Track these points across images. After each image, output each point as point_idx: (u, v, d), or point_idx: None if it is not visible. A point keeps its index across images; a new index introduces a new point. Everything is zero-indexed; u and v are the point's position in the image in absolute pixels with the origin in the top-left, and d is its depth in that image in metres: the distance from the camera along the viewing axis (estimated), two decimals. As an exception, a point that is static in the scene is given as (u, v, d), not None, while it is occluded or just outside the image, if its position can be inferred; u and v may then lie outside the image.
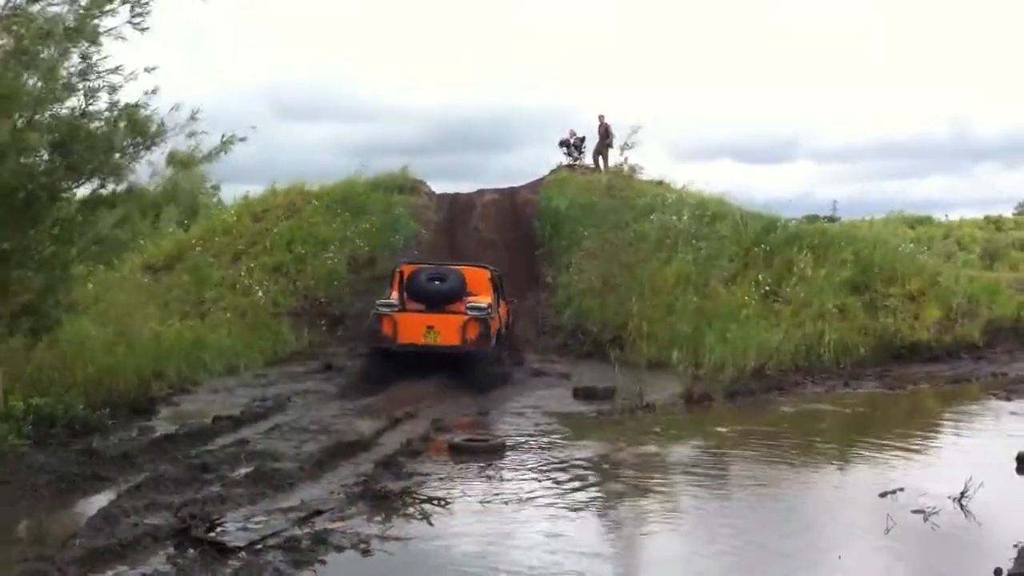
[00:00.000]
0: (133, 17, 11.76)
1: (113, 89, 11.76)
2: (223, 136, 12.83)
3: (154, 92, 12.13)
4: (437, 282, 16.30)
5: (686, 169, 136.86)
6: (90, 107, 11.71)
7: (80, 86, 11.58)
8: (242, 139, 12.93)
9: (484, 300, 16.34)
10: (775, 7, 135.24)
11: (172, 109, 12.35)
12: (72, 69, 11.53)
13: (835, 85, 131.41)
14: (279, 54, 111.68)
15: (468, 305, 15.93)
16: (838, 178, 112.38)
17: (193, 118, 12.46)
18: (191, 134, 12.54)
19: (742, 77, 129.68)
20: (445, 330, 15.61)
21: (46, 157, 11.56)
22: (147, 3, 11.84)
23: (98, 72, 11.68)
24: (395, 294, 16.58)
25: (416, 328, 15.68)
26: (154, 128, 12.22)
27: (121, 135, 11.99)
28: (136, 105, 12.00)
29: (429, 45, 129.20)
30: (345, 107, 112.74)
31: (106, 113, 11.81)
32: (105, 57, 11.75)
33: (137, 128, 12.06)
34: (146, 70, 11.87)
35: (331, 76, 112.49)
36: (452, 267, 17.11)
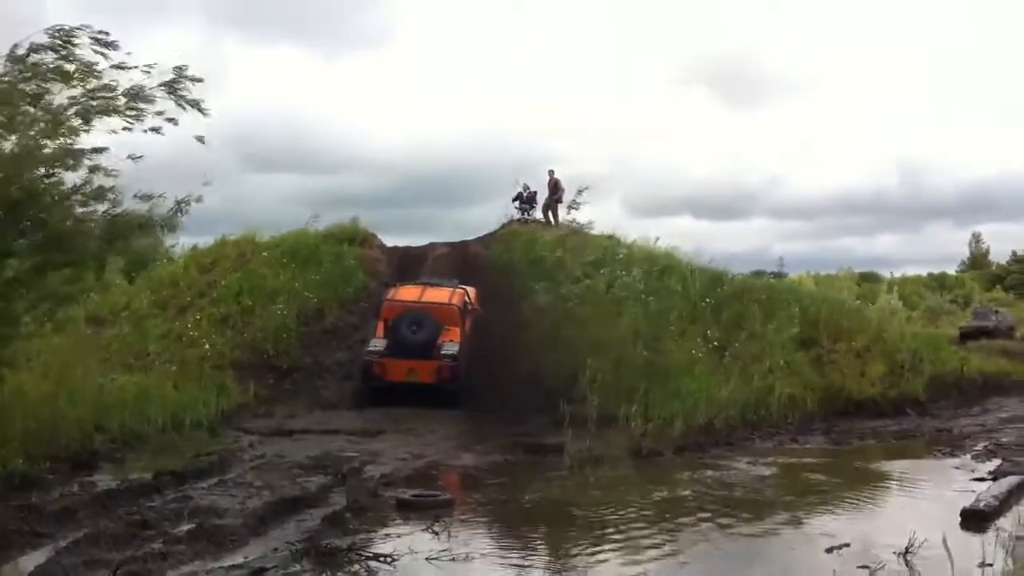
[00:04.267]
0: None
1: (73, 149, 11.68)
2: (177, 199, 12.76)
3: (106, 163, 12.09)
4: (415, 329, 19.38)
5: (645, 225, 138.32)
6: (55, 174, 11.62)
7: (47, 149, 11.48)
8: (197, 200, 12.87)
9: (454, 342, 19.59)
10: (738, 65, 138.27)
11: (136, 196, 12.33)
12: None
13: (796, 142, 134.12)
14: (245, 104, 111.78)
15: (441, 352, 19.24)
16: (795, 234, 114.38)
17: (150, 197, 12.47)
18: (147, 197, 12.45)
19: (704, 133, 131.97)
20: (423, 372, 19.06)
21: None
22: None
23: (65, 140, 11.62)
24: (380, 335, 19.80)
25: (399, 370, 19.07)
26: (112, 197, 12.15)
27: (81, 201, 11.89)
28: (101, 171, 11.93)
29: (390, 100, 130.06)
30: (309, 159, 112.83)
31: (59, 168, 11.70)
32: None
33: (97, 196, 11.98)
34: (95, 150, 11.84)
35: (297, 128, 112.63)
36: (427, 310, 19.93)
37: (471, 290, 21.91)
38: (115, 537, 8.82)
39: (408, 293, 20.82)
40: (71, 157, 11.56)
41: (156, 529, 9.19)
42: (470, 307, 21.25)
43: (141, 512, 9.85)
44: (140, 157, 12.12)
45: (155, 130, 12.11)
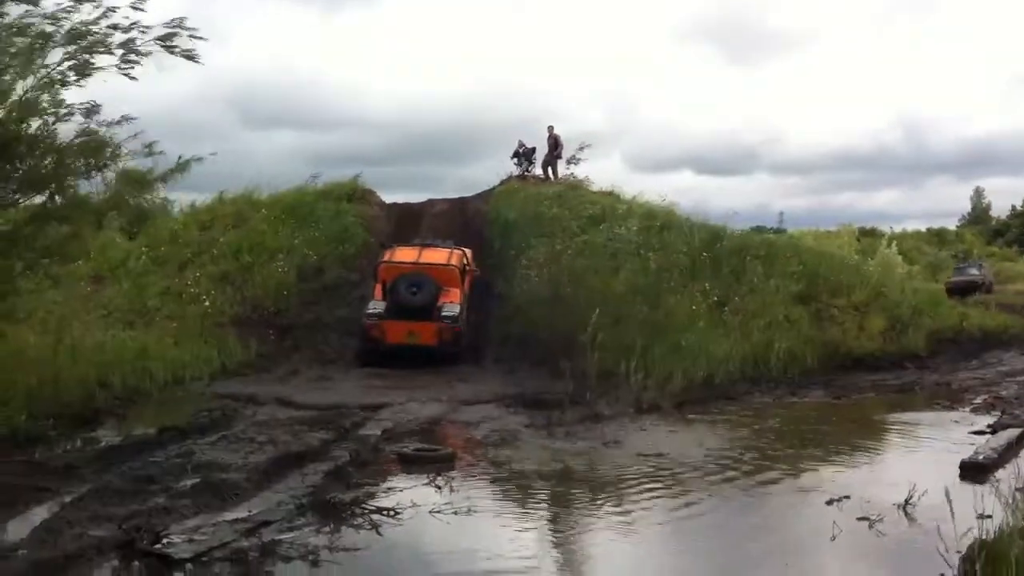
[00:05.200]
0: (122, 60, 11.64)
1: (57, 87, 11.58)
2: (180, 158, 12.70)
3: (97, 107, 11.96)
4: (415, 290, 19.22)
5: (646, 181, 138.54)
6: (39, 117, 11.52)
7: (21, 91, 11.37)
8: (198, 159, 12.84)
9: (455, 304, 19.46)
10: (742, 19, 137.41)
11: (122, 120, 12.20)
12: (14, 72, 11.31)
13: (798, 98, 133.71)
14: (248, 60, 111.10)
15: (442, 314, 19.09)
16: (795, 190, 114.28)
17: (151, 148, 12.33)
18: (149, 154, 12.40)
19: (706, 89, 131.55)
20: (424, 334, 18.90)
21: None
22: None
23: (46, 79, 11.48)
24: (378, 297, 19.60)
25: (399, 332, 18.90)
26: (108, 151, 12.06)
27: (74, 153, 11.80)
28: (90, 124, 11.80)
29: (389, 56, 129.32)
30: (310, 116, 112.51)
31: (51, 118, 11.61)
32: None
33: (91, 150, 11.88)
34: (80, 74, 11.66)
35: (297, 85, 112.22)
36: (426, 271, 19.78)
37: (468, 252, 21.86)
38: (120, 492, 8.87)
39: (406, 254, 20.71)
40: (58, 105, 11.48)
41: (160, 484, 9.23)
42: (468, 268, 21.17)
43: (145, 467, 9.90)
44: (135, 119, 12.10)
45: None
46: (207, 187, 26.98)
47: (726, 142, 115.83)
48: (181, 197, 27.55)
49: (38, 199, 12.07)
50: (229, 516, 8.23)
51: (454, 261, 20.53)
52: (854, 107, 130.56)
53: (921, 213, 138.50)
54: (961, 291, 33.74)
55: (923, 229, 64.90)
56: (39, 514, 8.34)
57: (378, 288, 19.84)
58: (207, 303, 20.17)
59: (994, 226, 68.00)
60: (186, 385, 16.22)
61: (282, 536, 7.66)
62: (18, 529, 8.04)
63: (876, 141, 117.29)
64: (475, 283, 21.50)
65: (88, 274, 21.34)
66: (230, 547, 7.29)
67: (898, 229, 58.82)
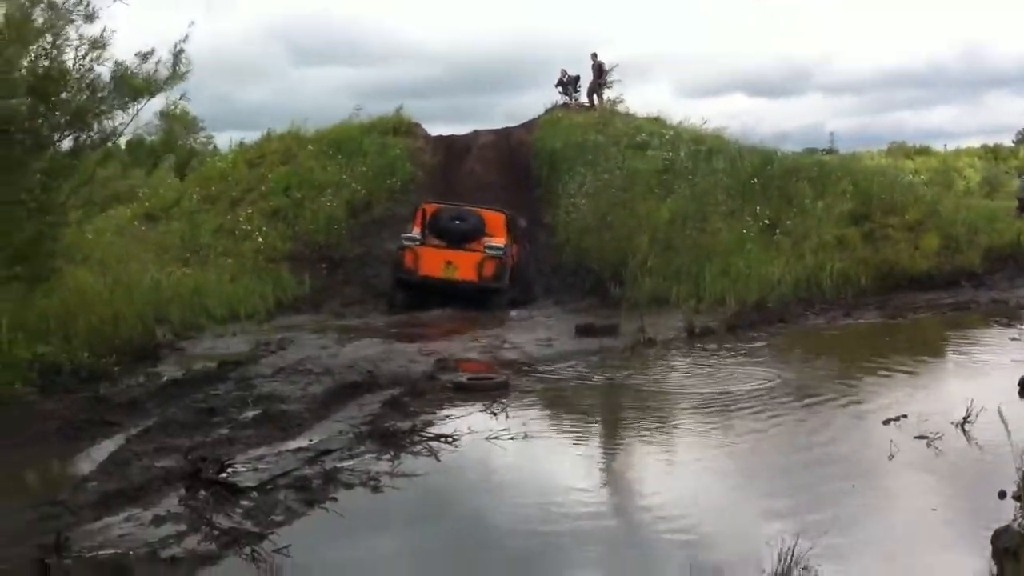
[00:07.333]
0: None
1: (88, 19, 11.63)
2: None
3: (112, 31, 12.02)
4: (458, 221, 17.75)
5: (697, 105, 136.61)
6: (63, 47, 11.60)
7: (50, 25, 11.45)
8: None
9: (500, 241, 17.82)
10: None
11: (142, 55, 12.26)
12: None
13: (853, 14, 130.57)
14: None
15: (486, 245, 17.47)
16: (849, 110, 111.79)
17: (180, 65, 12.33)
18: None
19: (762, 7, 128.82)
20: (463, 265, 17.26)
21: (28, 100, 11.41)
22: None
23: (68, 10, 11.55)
24: (417, 229, 17.94)
25: (436, 261, 17.28)
26: (140, 83, 12.11)
27: (108, 88, 11.88)
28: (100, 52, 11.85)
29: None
30: (356, 51, 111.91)
31: (83, 52, 11.70)
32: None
33: (125, 85, 11.94)
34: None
35: (344, 18, 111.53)
36: (472, 209, 18.11)
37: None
38: (183, 424, 9.05)
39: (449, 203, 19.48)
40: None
41: (223, 416, 9.41)
42: (519, 236, 19.39)
43: (207, 400, 10.09)
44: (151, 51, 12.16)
45: None
46: (256, 126, 27.32)
47: (778, 63, 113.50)
48: (231, 136, 28.00)
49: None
50: (291, 445, 8.38)
51: (504, 213, 19.02)
52: (911, 21, 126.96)
53: (978, 129, 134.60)
54: None
55: (977, 145, 63.40)
56: (106, 447, 8.54)
57: (417, 222, 18.41)
58: (260, 239, 20.42)
59: (1051, 141, 66.23)
60: (242, 320, 16.48)
61: (343, 464, 7.78)
62: (87, 461, 8.26)
63: (933, 57, 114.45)
64: (521, 255, 19.81)
65: (142, 214, 21.66)
66: (293, 475, 7.43)
67: (952, 147, 57.51)
